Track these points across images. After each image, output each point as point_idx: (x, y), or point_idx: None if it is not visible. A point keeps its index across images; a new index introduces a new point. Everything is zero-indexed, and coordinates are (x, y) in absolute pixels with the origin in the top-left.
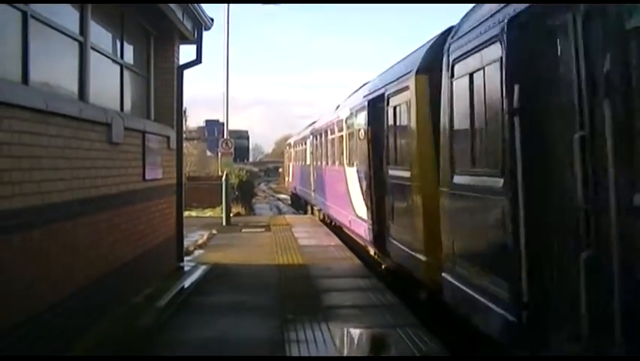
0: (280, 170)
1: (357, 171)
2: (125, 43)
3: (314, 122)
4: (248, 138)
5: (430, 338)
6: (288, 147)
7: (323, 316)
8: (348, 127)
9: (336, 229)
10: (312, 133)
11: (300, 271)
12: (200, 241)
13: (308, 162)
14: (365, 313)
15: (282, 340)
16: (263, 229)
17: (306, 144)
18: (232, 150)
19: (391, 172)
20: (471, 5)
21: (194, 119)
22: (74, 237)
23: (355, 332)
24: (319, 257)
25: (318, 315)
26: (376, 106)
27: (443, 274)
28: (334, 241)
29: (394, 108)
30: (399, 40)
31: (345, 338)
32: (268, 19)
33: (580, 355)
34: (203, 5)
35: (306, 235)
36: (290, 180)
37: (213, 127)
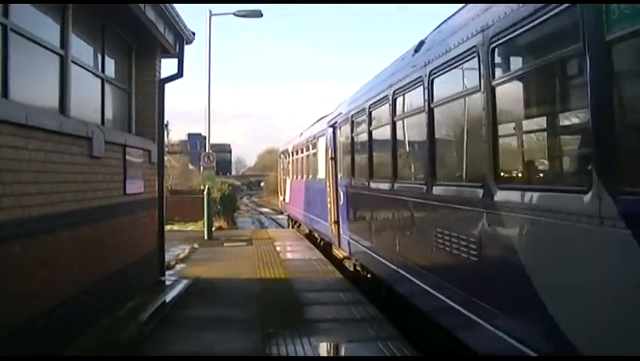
0: (262, 184)
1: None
2: (107, 57)
3: (338, 109)
4: (230, 152)
5: (412, 352)
6: (283, 156)
7: (305, 329)
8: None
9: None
10: (333, 125)
11: (282, 284)
12: (181, 255)
13: (321, 176)
14: (347, 326)
15: (263, 354)
16: (245, 243)
17: (316, 146)
18: (214, 163)
19: None
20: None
21: (176, 133)
22: (56, 250)
23: (337, 346)
24: (301, 271)
25: (300, 329)
26: None
27: None
28: (316, 254)
29: None
30: (380, 55)
31: (327, 352)
32: (250, 32)
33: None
34: (185, 19)
35: (288, 249)
36: (286, 200)
37: (196, 140)
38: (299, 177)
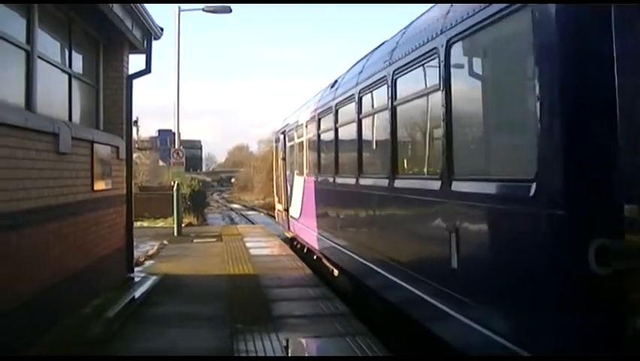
0: (233, 180)
1: None
2: (74, 53)
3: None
4: (200, 148)
5: (380, 348)
6: (284, 138)
7: (273, 326)
8: None
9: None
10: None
11: (251, 281)
12: (150, 252)
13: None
14: (315, 322)
15: (231, 350)
16: (214, 239)
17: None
18: (183, 159)
19: None
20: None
21: (147, 129)
22: (20, 247)
23: (305, 341)
24: (270, 267)
25: (268, 325)
26: None
27: None
28: (285, 250)
29: None
30: (346, 51)
31: (295, 348)
32: (217, 28)
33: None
34: (153, 14)
35: (258, 245)
36: (293, 213)
37: (166, 137)
38: (336, 173)
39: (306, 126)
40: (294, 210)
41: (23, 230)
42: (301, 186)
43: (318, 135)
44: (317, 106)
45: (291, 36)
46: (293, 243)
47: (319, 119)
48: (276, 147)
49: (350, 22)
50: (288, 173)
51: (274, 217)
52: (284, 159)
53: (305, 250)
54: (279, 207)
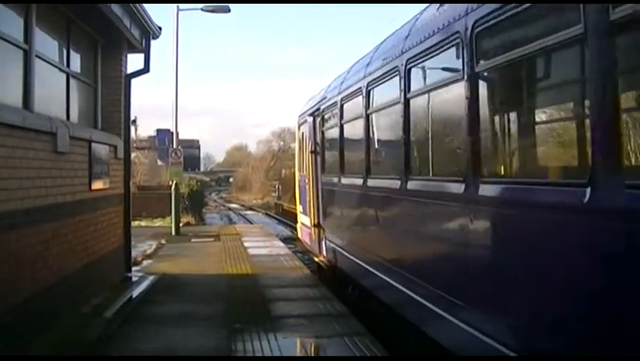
0: (231, 180)
1: None
2: (72, 52)
3: None
4: (199, 148)
5: (379, 348)
6: (312, 120)
7: (271, 325)
8: None
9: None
10: None
11: (249, 280)
12: (148, 251)
13: None
14: (313, 322)
15: (228, 350)
16: (212, 239)
17: None
18: (181, 159)
19: None
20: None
21: (145, 129)
22: (19, 247)
23: (303, 341)
24: (268, 266)
25: (266, 325)
26: None
27: None
28: (284, 250)
29: None
30: (347, 52)
31: (293, 348)
32: (216, 28)
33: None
34: (152, 13)
35: (256, 245)
36: (323, 228)
37: (164, 136)
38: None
39: (368, 94)
40: (338, 231)
41: (22, 229)
42: (355, 195)
43: (406, 103)
44: (401, 48)
45: (292, 37)
46: (324, 274)
47: (408, 72)
48: (301, 136)
49: (354, 22)
50: (323, 172)
51: (273, 217)
52: (314, 152)
53: (350, 289)
54: (304, 220)
